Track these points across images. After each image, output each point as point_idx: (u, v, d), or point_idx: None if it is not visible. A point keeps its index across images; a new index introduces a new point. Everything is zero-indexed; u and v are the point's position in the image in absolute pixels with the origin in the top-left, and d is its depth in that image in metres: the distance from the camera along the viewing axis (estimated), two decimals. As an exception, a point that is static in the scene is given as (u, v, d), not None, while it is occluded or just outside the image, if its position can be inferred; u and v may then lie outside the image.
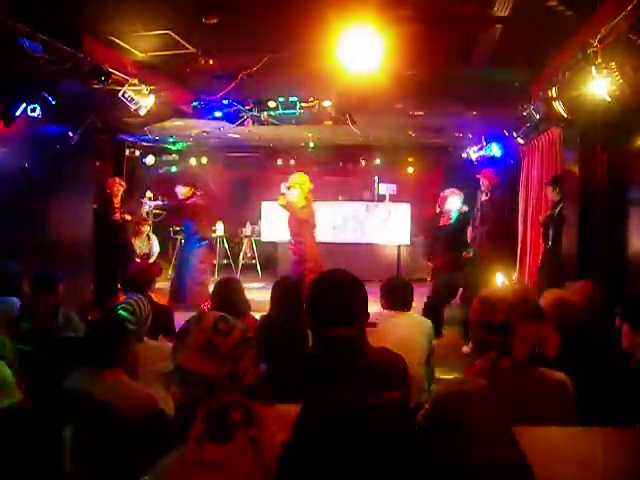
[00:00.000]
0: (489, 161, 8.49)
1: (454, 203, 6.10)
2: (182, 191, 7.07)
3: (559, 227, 5.36)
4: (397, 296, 3.50)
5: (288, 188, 6.26)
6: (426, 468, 1.67)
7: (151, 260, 8.26)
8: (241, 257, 10.38)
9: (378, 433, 1.58)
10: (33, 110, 4.69)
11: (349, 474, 1.48)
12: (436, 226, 6.37)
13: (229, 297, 3.33)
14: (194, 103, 6.17)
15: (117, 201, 7.10)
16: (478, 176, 7.65)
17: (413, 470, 1.60)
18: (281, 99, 6.18)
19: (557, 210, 5.53)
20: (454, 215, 6.14)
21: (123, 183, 7.36)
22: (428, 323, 3.50)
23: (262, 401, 1.45)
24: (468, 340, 5.66)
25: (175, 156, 10.79)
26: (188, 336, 1.48)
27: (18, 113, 4.65)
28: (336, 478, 1.47)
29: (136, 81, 4.60)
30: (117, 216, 7.04)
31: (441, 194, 6.33)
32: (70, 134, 5.46)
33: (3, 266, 4.09)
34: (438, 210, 6.43)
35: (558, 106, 4.22)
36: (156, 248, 8.66)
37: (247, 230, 10.70)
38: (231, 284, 3.58)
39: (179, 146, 10.42)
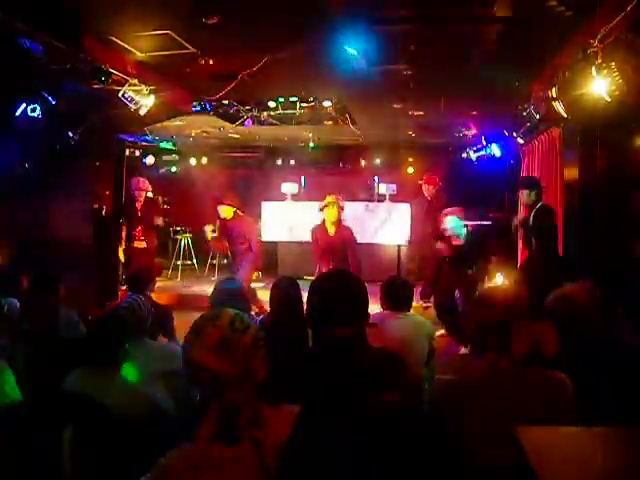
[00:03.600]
0: (489, 161, 8.49)
1: (450, 222, 5.69)
2: (224, 210, 6.58)
3: (542, 231, 4.95)
4: (397, 296, 3.50)
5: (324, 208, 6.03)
6: (426, 467, 1.67)
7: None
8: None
9: (378, 433, 1.58)
10: (33, 110, 4.70)
11: (349, 474, 1.48)
12: (438, 256, 5.95)
13: (229, 297, 3.33)
14: (194, 103, 6.18)
15: (140, 204, 7.13)
16: (420, 182, 7.63)
17: (413, 470, 1.60)
18: (281, 99, 6.17)
19: (533, 214, 5.01)
20: (457, 233, 5.72)
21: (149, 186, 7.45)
22: (428, 324, 3.49)
23: (267, 401, 1.44)
24: (458, 340, 5.63)
25: (175, 156, 10.78)
26: (203, 333, 1.44)
27: (18, 113, 4.66)
28: (336, 478, 1.47)
29: (136, 81, 4.60)
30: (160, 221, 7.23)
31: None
32: (70, 134, 5.46)
33: (3, 267, 4.10)
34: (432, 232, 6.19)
35: (558, 106, 4.22)
36: None
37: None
38: (231, 284, 3.57)
39: (172, 145, 10.39)
